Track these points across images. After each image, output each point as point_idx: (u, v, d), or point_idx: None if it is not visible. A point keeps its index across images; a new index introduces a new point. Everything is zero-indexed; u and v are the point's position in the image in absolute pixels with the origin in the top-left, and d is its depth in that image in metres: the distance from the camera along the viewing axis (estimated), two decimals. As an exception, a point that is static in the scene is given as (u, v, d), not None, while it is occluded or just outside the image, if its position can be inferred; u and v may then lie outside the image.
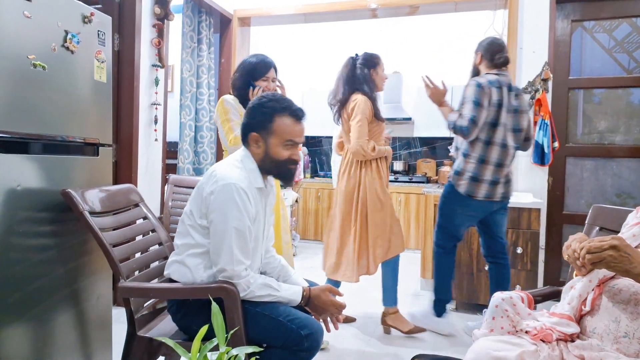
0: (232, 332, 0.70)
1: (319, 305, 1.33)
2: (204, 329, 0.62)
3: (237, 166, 1.33)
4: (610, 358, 0.99)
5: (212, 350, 0.68)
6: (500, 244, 2.32)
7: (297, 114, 1.34)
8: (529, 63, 2.94)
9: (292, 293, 1.31)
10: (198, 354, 0.63)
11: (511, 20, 2.97)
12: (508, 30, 2.99)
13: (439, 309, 2.38)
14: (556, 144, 2.86)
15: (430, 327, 2.38)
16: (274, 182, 1.50)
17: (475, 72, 2.32)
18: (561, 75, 2.92)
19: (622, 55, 2.90)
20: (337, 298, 1.39)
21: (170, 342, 0.63)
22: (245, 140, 1.38)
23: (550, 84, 2.90)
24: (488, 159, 2.17)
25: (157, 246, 1.63)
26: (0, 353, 1.24)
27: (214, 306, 0.64)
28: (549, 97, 2.89)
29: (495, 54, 2.23)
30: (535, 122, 2.88)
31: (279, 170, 1.37)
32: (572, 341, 1.09)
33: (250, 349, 0.66)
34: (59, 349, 1.43)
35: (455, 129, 2.16)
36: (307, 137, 5.10)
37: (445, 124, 2.25)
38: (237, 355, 0.65)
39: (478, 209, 2.23)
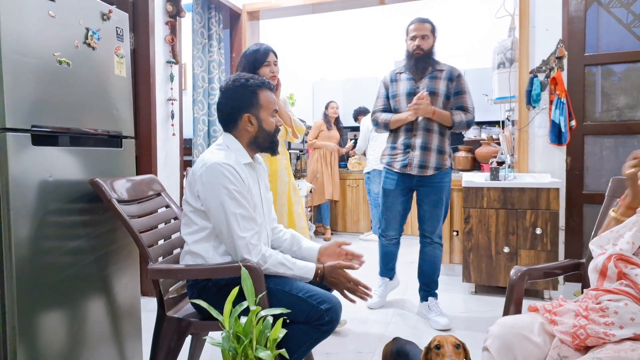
0: (260, 295, 0.74)
1: (334, 281, 1.37)
2: (235, 290, 0.67)
3: (221, 149, 1.41)
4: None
5: (242, 313, 0.72)
6: None
7: (270, 85, 1.47)
8: (543, 41, 2.90)
9: (305, 272, 1.36)
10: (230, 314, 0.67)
11: (523, -1, 2.93)
12: (520, 10, 2.94)
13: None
14: (573, 123, 2.82)
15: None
16: (262, 160, 1.58)
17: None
18: (576, 52, 2.86)
19: (641, 30, 2.82)
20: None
21: (205, 304, 0.67)
22: (234, 124, 1.43)
23: (565, 61, 2.85)
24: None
25: (179, 233, 1.68)
26: (39, 338, 1.31)
27: (244, 271, 0.68)
28: (564, 75, 2.84)
29: None
30: (551, 101, 2.85)
31: (271, 140, 1.46)
32: None
33: (278, 311, 0.70)
34: (92, 334, 1.51)
35: (470, 124, 2.36)
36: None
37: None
38: (266, 316, 0.69)
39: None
